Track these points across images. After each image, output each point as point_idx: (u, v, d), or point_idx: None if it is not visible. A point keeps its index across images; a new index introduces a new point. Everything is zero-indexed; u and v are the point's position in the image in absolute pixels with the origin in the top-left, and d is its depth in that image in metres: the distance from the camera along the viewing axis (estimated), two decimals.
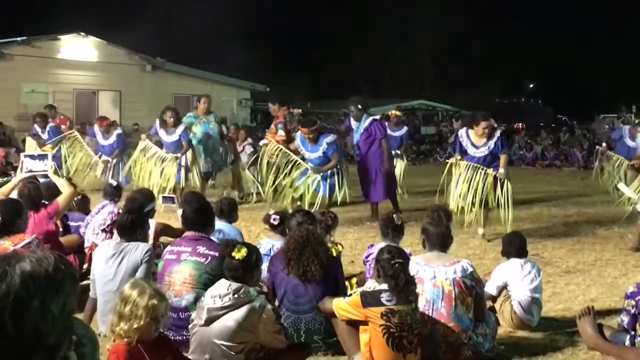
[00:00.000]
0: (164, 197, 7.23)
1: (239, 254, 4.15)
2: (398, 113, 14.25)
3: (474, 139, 8.94)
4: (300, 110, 14.71)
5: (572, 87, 44.73)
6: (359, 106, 10.41)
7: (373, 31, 47.00)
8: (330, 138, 9.74)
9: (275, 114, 11.58)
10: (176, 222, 6.80)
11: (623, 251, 8.33)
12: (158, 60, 25.62)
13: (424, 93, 41.39)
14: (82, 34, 23.96)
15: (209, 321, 4.03)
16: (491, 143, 8.83)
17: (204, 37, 38.32)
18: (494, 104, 39.78)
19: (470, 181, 8.76)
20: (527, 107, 39.39)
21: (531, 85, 50.95)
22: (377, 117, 10.79)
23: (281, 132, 11.03)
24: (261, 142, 11.53)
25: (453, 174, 8.96)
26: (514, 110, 35.32)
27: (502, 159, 8.90)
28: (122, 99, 24.91)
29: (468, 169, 8.85)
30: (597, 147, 11.58)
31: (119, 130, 12.65)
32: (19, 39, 22.78)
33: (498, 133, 8.94)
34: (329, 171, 9.75)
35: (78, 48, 23.79)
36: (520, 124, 28.52)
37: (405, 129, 13.73)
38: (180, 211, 6.90)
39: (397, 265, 4.24)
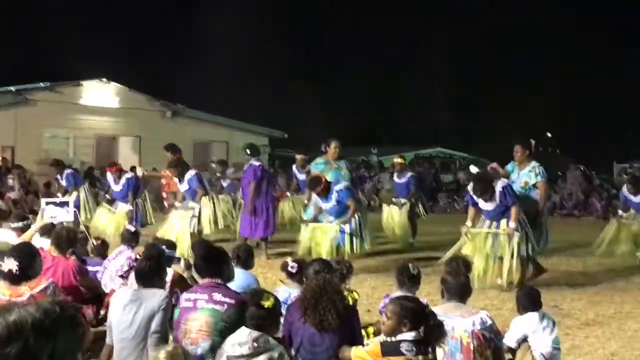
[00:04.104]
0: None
1: (268, 302, 4.17)
2: (400, 160, 14.04)
3: None
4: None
5: (591, 136, 44.70)
6: (248, 151, 11.56)
7: (389, 78, 47.42)
8: (339, 186, 9.88)
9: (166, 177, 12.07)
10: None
11: None
12: (178, 107, 25.82)
13: (442, 141, 41.47)
14: (104, 80, 24.27)
15: None
16: (495, 197, 8.85)
17: (223, 82, 38.82)
18: (511, 152, 39.67)
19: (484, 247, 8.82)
20: (544, 155, 39.30)
21: (549, 134, 50.92)
22: (257, 163, 11.46)
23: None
24: None
25: (467, 242, 8.97)
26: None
27: (513, 211, 8.80)
28: (142, 144, 25.10)
29: (478, 236, 8.92)
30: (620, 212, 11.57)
31: (128, 175, 12.83)
32: (42, 84, 23.10)
33: (499, 186, 8.89)
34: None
35: (100, 94, 24.07)
36: None
37: (409, 174, 13.56)
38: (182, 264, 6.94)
39: (429, 322, 4.18)
